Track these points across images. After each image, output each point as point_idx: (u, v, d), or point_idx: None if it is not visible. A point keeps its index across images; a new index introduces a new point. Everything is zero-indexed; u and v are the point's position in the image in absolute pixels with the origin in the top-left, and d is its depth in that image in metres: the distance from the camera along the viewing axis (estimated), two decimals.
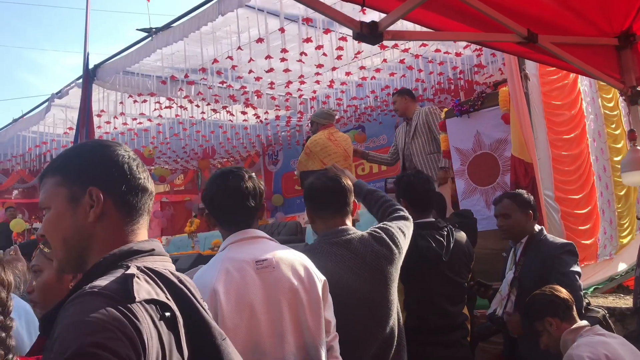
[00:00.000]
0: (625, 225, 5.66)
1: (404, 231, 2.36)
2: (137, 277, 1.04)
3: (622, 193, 5.71)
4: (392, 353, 2.19)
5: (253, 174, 1.95)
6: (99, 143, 1.24)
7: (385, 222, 2.40)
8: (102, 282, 1.01)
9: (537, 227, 3.24)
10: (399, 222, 2.41)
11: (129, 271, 1.05)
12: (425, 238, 2.71)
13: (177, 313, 1.08)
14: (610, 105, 5.87)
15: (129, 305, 0.97)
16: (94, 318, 0.93)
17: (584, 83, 5.38)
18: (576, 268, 3.01)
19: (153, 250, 1.17)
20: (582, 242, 4.75)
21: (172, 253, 8.47)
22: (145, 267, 1.10)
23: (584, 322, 2.57)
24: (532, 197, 3.32)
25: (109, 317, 0.94)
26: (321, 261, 2.07)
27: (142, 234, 1.21)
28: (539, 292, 2.67)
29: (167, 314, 1.05)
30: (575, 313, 2.62)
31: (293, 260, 1.86)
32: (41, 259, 1.94)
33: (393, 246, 2.24)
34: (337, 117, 9.31)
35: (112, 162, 1.19)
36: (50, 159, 9.63)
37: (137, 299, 0.99)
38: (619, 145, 5.88)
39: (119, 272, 1.05)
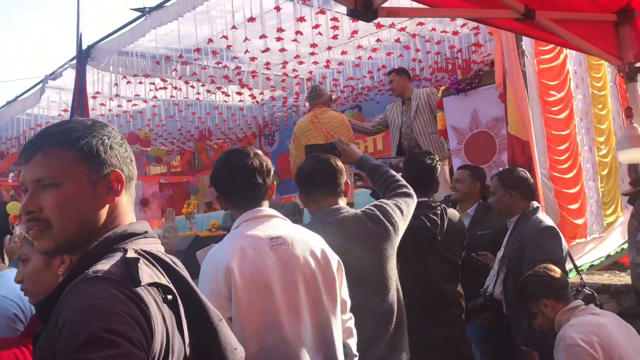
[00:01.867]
0: (609, 204, 5.73)
1: (401, 208, 2.34)
2: (139, 262, 1.03)
3: (605, 173, 5.76)
4: (392, 329, 2.20)
5: (259, 151, 1.93)
6: (105, 124, 1.21)
7: (382, 200, 2.39)
8: (104, 266, 1.00)
9: (534, 205, 3.20)
10: (399, 198, 2.39)
11: (129, 254, 1.05)
12: (419, 217, 2.70)
13: (177, 295, 1.08)
14: (599, 85, 5.86)
15: (134, 289, 0.97)
16: (103, 303, 0.93)
17: (573, 62, 5.35)
18: (555, 255, 2.91)
19: (146, 232, 1.16)
20: (574, 220, 4.78)
21: None
22: (142, 250, 1.10)
23: (579, 302, 2.55)
24: (524, 175, 3.26)
25: (117, 302, 0.94)
26: None
27: (131, 216, 1.21)
28: (532, 273, 2.64)
29: (169, 296, 1.05)
30: (569, 292, 2.61)
31: (307, 238, 1.86)
32: (27, 247, 1.93)
33: (387, 223, 2.24)
34: (332, 96, 9.25)
35: (124, 146, 1.19)
36: None
37: (142, 283, 0.99)
38: (604, 126, 5.93)
39: (117, 256, 1.04)
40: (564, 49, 4.97)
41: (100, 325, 0.89)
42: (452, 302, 2.87)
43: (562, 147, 4.86)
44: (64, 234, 1.10)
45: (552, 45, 4.77)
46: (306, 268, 1.78)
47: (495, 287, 3.15)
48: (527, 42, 4.48)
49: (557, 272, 2.62)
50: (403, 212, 2.34)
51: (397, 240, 2.29)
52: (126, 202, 1.19)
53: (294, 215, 9.46)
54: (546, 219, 3.14)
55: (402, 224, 2.32)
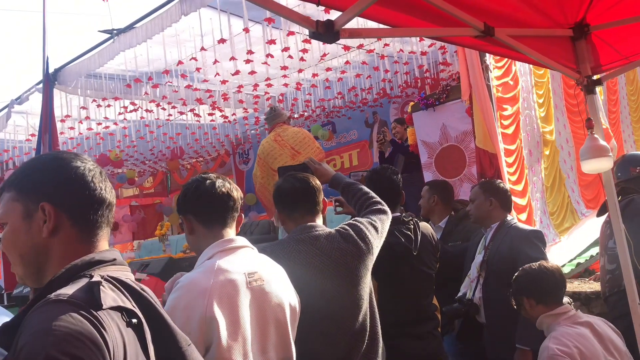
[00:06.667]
0: (556, 214, 5.88)
1: (375, 225, 2.33)
2: (103, 285, 1.04)
3: (549, 184, 5.90)
4: (364, 347, 2.20)
5: (229, 179, 1.94)
6: (55, 156, 1.21)
7: (356, 218, 2.39)
8: (68, 290, 1.01)
9: (509, 217, 3.35)
10: (373, 216, 2.39)
11: (94, 279, 1.05)
12: (393, 233, 2.71)
13: (143, 320, 1.09)
14: (541, 101, 6.03)
15: (95, 312, 0.98)
16: (61, 326, 0.93)
17: (522, 79, 5.50)
18: (544, 255, 3.08)
19: (115, 260, 1.17)
20: None
21: (143, 257, 8.35)
22: (108, 275, 1.10)
23: (566, 308, 2.53)
24: (504, 187, 3.44)
25: (76, 325, 0.94)
26: (288, 257, 2.08)
27: (101, 245, 1.20)
28: (527, 268, 2.65)
29: (134, 320, 1.06)
30: (553, 298, 2.56)
31: (278, 273, 1.88)
32: None
33: (360, 242, 2.22)
34: (291, 115, 9.29)
35: (65, 176, 1.16)
36: (13, 167, 9.42)
37: (104, 307, 1.00)
38: (552, 138, 6.11)
39: (83, 281, 1.05)
40: (515, 65, 5.11)
41: (57, 348, 0.90)
42: (429, 316, 2.89)
43: (510, 160, 4.96)
44: (16, 268, 1.19)
45: (505, 60, 4.90)
46: (278, 306, 1.79)
47: (475, 292, 3.19)
48: (487, 57, 4.61)
49: (550, 271, 2.58)
50: (378, 230, 2.33)
51: (371, 258, 2.27)
52: (88, 231, 1.18)
53: (269, 234, 9.40)
54: (528, 226, 3.31)
55: (377, 242, 2.31)
